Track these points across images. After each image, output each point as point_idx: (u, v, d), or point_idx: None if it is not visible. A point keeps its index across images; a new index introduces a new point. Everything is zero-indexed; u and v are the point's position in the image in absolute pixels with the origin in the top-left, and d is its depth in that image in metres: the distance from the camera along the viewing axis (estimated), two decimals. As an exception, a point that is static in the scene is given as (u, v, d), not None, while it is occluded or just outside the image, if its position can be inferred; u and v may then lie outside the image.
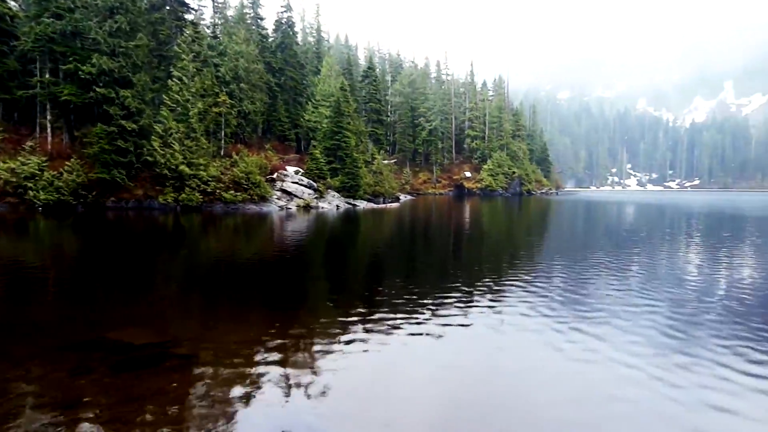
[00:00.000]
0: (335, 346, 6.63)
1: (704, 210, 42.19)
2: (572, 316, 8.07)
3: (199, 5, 47.57)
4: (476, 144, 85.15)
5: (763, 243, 19.53)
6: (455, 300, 9.16)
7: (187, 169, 33.59)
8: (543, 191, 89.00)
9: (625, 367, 5.88)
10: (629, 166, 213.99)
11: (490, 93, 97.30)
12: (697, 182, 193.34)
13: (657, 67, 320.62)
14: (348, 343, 6.75)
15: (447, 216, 35.25)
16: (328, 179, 42.18)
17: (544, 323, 7.68)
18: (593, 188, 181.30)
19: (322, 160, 42.19)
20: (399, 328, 7.44)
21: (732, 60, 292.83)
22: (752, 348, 6.57)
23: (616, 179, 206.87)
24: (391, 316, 8.08)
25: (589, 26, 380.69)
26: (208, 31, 49.28)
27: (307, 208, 36.95)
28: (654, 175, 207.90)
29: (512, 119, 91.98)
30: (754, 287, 10.72)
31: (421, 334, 7.16)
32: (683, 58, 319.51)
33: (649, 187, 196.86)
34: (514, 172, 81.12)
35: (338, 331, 7.32)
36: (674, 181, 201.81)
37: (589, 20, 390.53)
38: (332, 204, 39.48)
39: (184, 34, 38.32)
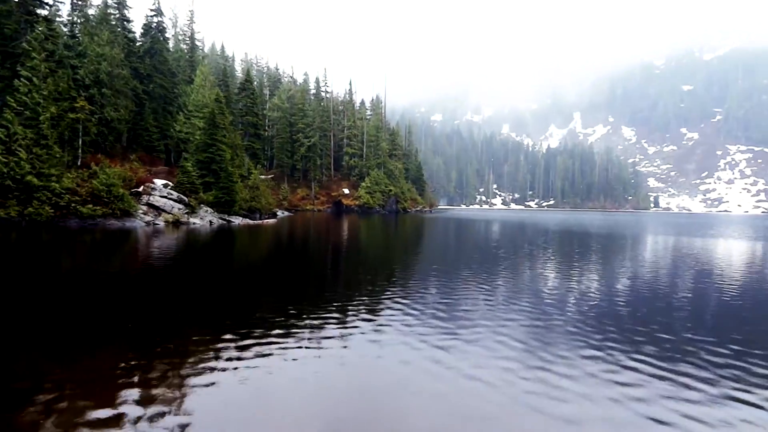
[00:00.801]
0: (203, 372, 6.35)
1: (557, 228, 46.82)
2: (443, 331, 8.52)
3: (54, 0, 43.28)
4: (354, 162, 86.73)
5: (603, 257, 22.22)
6: (331, 318, 9.26)
7: (35, 180, 30.15)
8: (418, 209, 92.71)
9: (488, 381, 6.40)
10: (495, 186, 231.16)
11: (368, 112, 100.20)
12: (552, 202, 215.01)
13: (518, 95, 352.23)
14: (217, 368, 6.50)
15: (325, 233, 35.36)
16: (201, 194, 40.27)
17: (417, 339, 8.02)
18: (463, 206, 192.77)
19: (194, 174, 40.18)
20: (273, 348, 7.35)
21: (580, 92, 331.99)
22: (601, 355, 7.49)
23: (484, 198, 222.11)
24: (265, 336, 7.96)
25: (461, 53, 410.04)
26: (65, 29, 44.94)
27: (176, 223, 34.91)
28: (516, 195, 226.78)
29: (389, 138, 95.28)
30: (598, 297, 12.15)
31: (295, 355, 7.13)
32: (540, 88, 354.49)
33: (513, 206, 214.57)
34: (390, 190, 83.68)
35: (207, 355, 7.01)
36: (533, 200, 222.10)
37: (461, 47, 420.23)
38: (205, 220, 37.75)
39: (36, 31, 34.59)
